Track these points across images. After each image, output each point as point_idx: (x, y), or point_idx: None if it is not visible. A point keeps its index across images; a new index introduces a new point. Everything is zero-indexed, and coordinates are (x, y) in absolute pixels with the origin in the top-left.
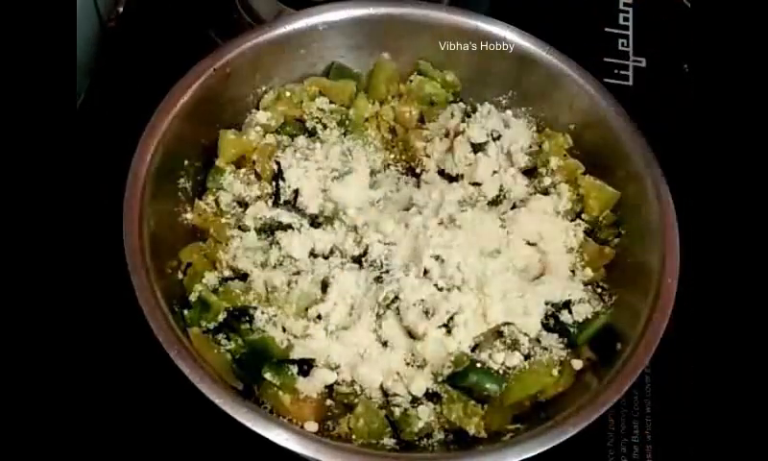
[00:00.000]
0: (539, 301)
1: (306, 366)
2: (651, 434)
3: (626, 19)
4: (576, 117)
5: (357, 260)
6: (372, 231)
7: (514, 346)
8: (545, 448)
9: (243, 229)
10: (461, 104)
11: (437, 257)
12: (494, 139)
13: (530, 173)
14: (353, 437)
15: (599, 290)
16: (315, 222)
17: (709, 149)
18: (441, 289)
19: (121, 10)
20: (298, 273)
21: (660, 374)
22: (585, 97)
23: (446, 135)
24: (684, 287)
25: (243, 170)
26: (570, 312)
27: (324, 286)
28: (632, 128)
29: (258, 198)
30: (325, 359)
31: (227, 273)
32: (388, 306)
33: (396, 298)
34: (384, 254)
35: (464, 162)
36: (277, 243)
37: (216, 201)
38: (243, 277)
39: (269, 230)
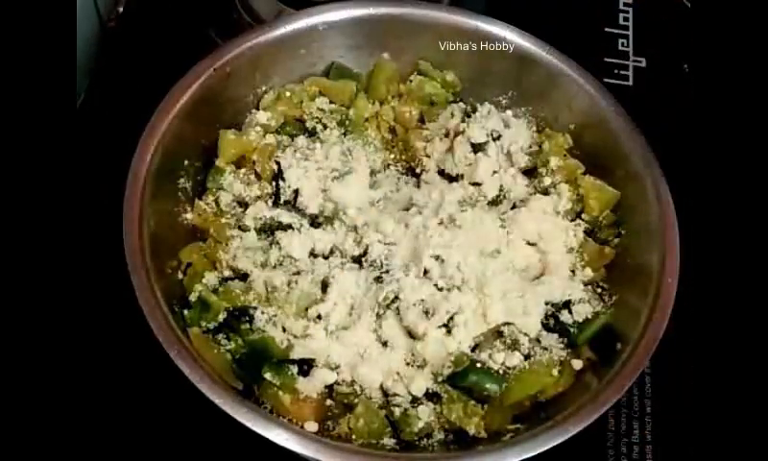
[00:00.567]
0: (539, 301)
1: (306, 366)
2: (651, 434)
3: (626, 19)
4: (576, 117)
5: (357, 260)
6: (372, 231)
7: (514, 346)
8: (545, 448)
9: (243, 229)
10: (461, 104)
11: (437, 257)
12: (494, 139)
13: (530, 173)
14: (353, 437)
15: (599, 290)
16: (315, 222)
17: (709, 149)
18: (441, 289)
19: (121, 10)
20: (298, 273)
21: (660, 374)
22: (585, 97)
23: (446, 135)
24: (684, 287)
25: (243, 170)
26: (570, 312)
27: (324, 286)
28: (632, 128)
29: (258, 198)
30: (325, 359)
31: (227, 273)
32: (388, 306)
33: (396, 298)
34: (384, 254)
35: (464, 162)
36: (277, 243)
37: (216, 201)
38: (243, 277)
39: (269, 230)
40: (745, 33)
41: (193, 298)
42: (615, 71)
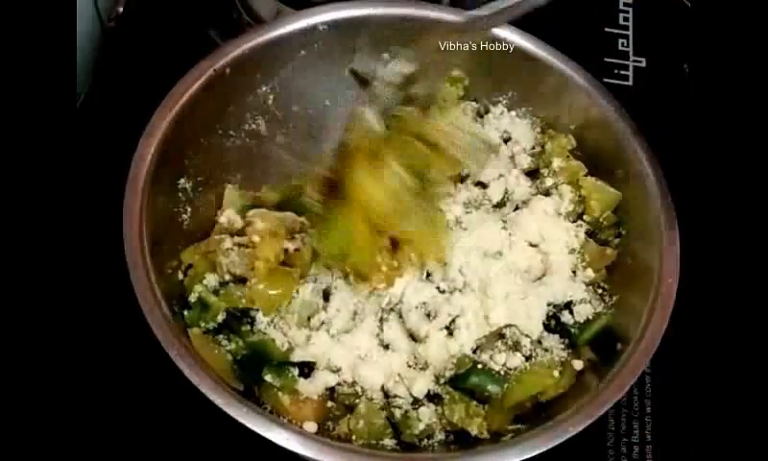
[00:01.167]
0: (540, 302)
1: (307, 368)
2: (651, 434)
3: (626, 19)
4: (576, 117)
5: None
6: None
7: (515, 347)
8: (545, 449)
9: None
10: (474, 103)
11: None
12: (505, 141)
13: (532, 174)
14: (353, 438)
15: (600, 291)
16: None
17: (709, 149)
18: (443, 292)
19: (121, 10)
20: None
21: (660, 374)
22: (585, 97)
23: None
24: (684, 287)
25: None
26: (571, 313)
27: (326, 295)
28: (632, 128)
29: None
30: (327, 362)
31: (227, 277)
32: (391, 310)
33: (398, 301)
34: None
35: None
36: None
37: None
38: (243, 280)
39: None
40: (745, 33)
41: (193, 298)
42: (615, 71)
